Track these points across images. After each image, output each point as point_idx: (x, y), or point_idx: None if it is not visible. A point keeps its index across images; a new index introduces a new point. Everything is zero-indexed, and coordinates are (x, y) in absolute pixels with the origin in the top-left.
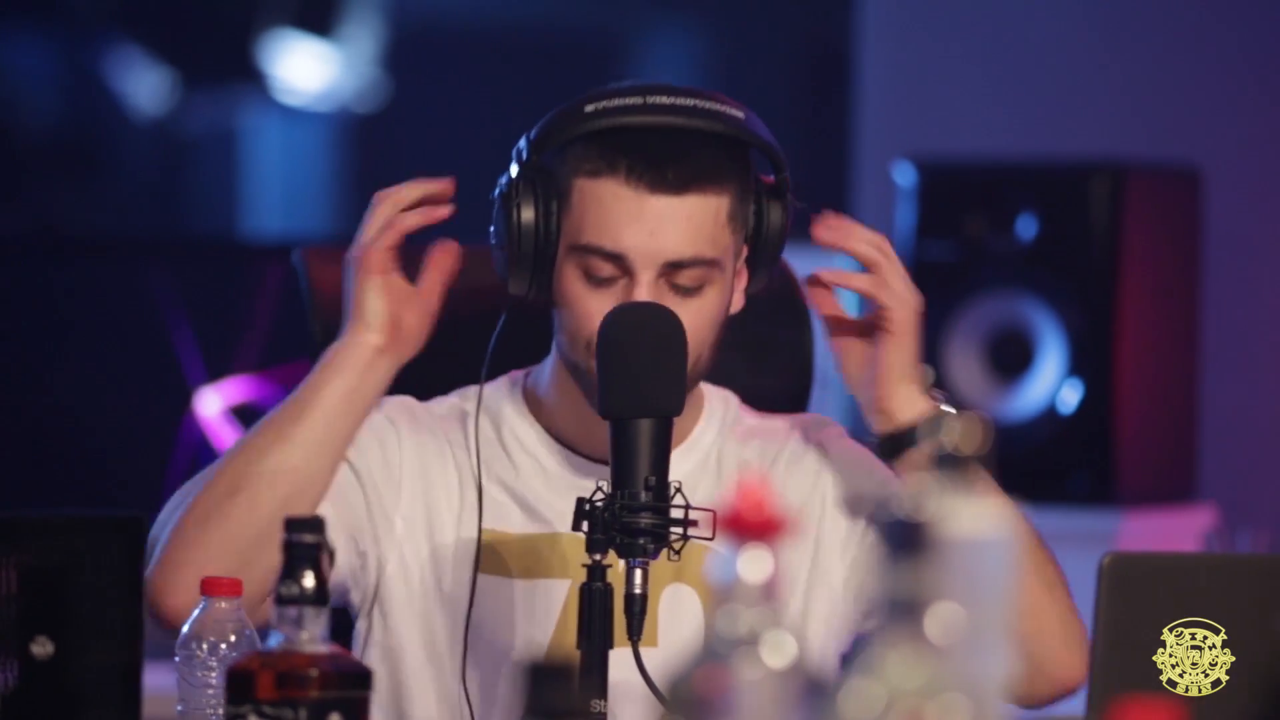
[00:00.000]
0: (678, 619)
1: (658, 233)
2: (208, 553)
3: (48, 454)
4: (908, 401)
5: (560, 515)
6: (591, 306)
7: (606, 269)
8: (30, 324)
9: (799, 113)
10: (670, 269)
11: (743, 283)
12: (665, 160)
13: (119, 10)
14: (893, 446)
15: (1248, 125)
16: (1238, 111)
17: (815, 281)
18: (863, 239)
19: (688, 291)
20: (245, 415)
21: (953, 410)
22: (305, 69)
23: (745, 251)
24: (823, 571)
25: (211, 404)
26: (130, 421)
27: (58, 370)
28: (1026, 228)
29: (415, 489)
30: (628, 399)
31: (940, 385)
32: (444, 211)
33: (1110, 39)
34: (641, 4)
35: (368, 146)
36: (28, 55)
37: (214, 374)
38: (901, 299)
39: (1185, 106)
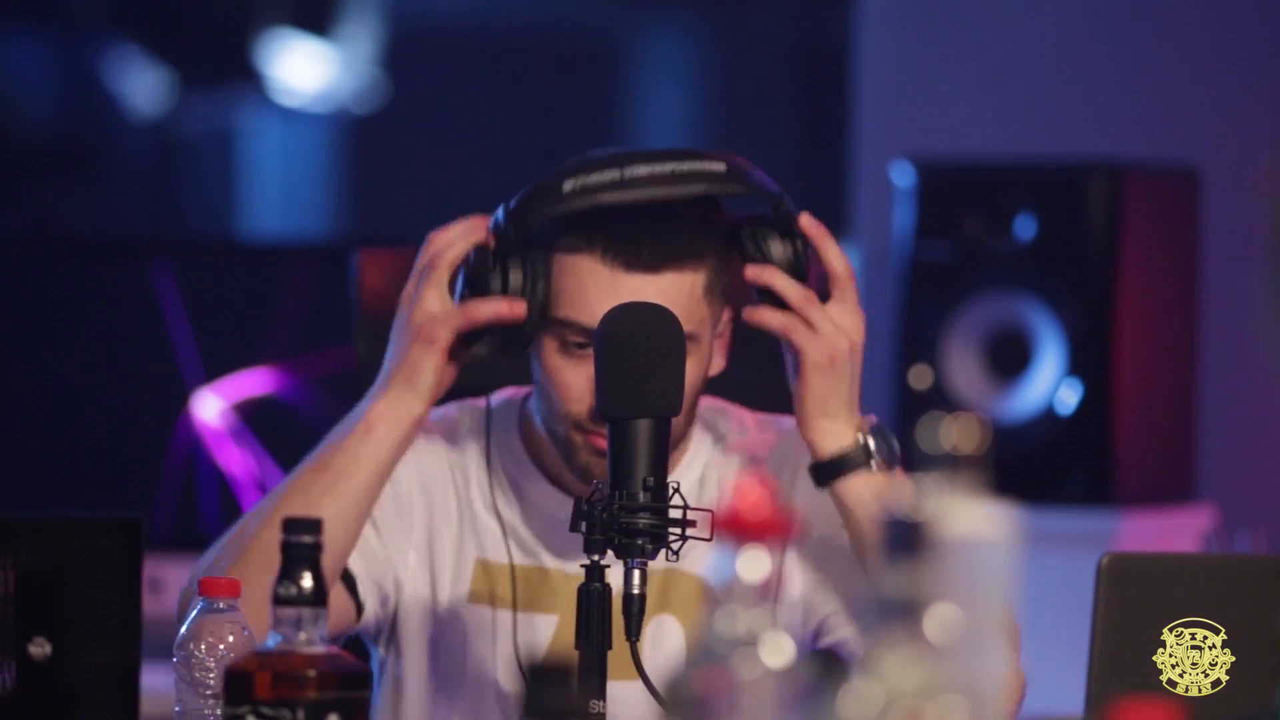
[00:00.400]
0: (660, 651)
1: None
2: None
3: (44, 455)
4: (829, 435)
5: (549, 550)
6: (568, 377)
7: (582, 341)
8: (25, 324)
9: (797, 113)
10: None
11: (724, 346)
12: (640, 239)
13: (116, 10)
14: (820, 476)
15: (1246, 125)
16: (1236, 111)
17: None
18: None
19: None
20: (246, 414)
21: (875, 442)
22: (303, 69)
23: (727, 316)
24: (785, 586)
25: (209, 405)
26: (127, 423)
27: (54, 371)
28: (1025, 228)
29: (421, 516)
30: (626, 399)
31: (931, 394)
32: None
33: (1108, 39)
34: (640, 4)
35: (366, 147)
36: (25, 55)
37: (212, 375)
38: (819, 340)
39: (1183, 107)
